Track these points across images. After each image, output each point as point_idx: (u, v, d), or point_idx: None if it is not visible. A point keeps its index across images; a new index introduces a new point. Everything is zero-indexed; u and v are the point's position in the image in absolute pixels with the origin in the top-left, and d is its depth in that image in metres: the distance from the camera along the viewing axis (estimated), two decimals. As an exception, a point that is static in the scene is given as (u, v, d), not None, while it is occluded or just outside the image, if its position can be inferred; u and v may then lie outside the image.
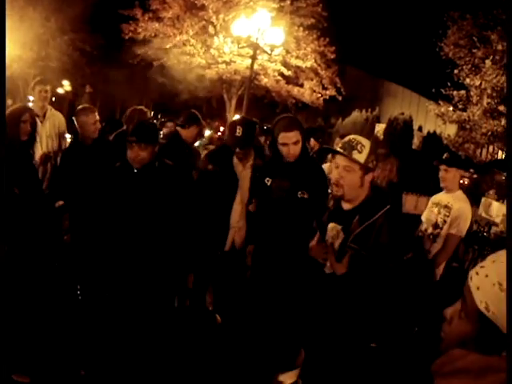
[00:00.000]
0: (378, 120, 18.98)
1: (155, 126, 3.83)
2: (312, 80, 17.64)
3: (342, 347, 2.55)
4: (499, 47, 11.21)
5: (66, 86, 15.49)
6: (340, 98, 17.79)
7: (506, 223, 0.97)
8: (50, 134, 4.94)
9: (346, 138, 2.61)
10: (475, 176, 9.83)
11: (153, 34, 15.39)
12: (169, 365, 3.25)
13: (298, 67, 17.24)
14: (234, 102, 18.34)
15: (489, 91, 11.85)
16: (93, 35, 15.25)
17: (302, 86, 17.91)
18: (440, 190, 5.94)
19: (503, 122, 11.76)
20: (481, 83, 11.97)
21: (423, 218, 4.45)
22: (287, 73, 17.18)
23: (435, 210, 4.24)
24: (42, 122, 4.72)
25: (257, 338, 3.47)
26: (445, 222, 4.13)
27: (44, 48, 13.87)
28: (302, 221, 3.31)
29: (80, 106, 4.59)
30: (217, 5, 15.29)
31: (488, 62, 11.66)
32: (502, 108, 11.74)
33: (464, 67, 12.45)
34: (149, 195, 3.34)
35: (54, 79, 14.48)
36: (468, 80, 12.41)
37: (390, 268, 2.53)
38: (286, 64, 17.09)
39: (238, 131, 3.67)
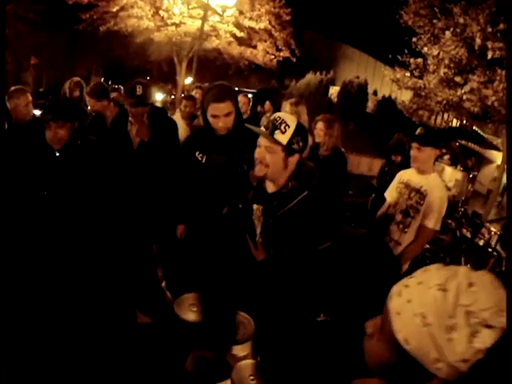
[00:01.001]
0: (332, 83, 18.89)
1: (72, 102, 3.68)
2: (266, 41, 17.21)
3: (288, 320, 2.44)
4: (461, 20, 11.22)
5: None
6: (294, 60, 17.49)
7: (506, 223, 0.84)
8: None
9: (272, 117, 2.44)
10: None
11: (98, -3, 14.34)
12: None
13: (251, 28, 16.72)
14: (184, 64, 17.67)
15: (446, 61, 11.92)
16: (35, 2, 13.97)
17: (255, 47, 17.46)
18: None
19: (459, 92, 11.99)
20: (439, 53, 11.98)
21: (388, 196, 4.00)
22: (240, 34, 16.66)
23: (404, 191, 3.77)
24: None
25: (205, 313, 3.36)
26: (417, 210, 3.66)
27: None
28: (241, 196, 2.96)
29: (12, 88, 4.34)
30: (167, -37, 14.39)
31: (448, 34, 11.65)
32: (458, 79, 11.94)
33: (423, 36, 12.39)
34: (74, 176, 3.17)
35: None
36: (426, 49, 12.40)
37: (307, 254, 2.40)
38: (238, 25, 16.54)
39: (139, 90, 3.51)
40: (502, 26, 10.42)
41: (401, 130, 6.93)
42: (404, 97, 14.63)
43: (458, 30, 11.39)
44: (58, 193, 3.17)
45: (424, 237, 3.67)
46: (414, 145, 3.59)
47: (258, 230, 2.57)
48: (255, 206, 2.56)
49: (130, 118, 3.68)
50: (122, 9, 14.98)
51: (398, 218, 3.71)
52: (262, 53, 17.52)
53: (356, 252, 2.56)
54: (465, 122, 12.65)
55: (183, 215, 3.48)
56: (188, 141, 3.48)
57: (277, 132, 2.29)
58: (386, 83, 15.96)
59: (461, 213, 7.84)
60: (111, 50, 16.72)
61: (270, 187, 2.50)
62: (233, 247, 2.90)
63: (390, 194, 3.92)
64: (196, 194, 3.28)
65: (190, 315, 2.84)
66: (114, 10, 14.79)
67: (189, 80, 18.10)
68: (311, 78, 18.52)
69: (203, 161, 3.19)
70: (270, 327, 2.52)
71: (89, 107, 4.60)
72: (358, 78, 16.86)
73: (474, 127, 12.56)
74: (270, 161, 2.34)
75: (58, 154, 3.17)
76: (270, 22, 16.56)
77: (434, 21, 11.98)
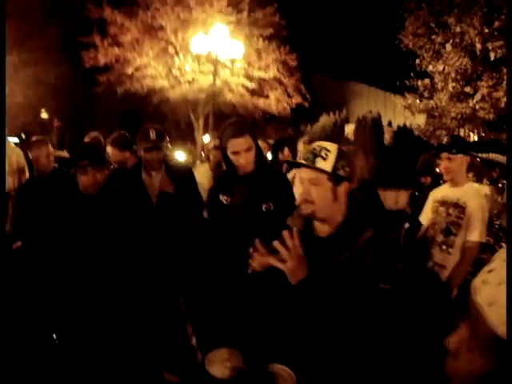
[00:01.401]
0: (346, 121, 19.16)
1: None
2: (277, 90, 17.66)
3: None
4: (457, 29, 11.48)
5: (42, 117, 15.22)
6: (307, 105, 17.88)
7: (506, 222, 0.67)
8: (8, 171, 4.56)
9: (309, 147, 2.17)
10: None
11: (113, 60, 15.22)
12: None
13: (261, 78, 17.25)
14: (201, 121, 18.23)
15: (453, 75, 12.06)
16: (55, 66, 14.96)
17: (267, 97, 17.91)
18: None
19: (471, 103, 11.98)
20: (444, 68, 12.17)
21: (423, 220, 3.74)
22: (251, 85, 17.16)
23: (442, 210, 3.52)
24: None
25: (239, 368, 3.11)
26: (459, 225, 3.40)
27: (7, 83, 13.48)
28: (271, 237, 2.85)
29: (33, 138, 4.44)
30: (174, 24, 15.25)
31: (448, 46, 11.90)
32: (467, 89, 11.97)
33: (425, 55, 12.67)
34: (109, 221, 3.18)
35: (20, 115, 14.14)
36: (431, 67, 12.63)
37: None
38: (248, 77, 17.09)
39: (152, 135, 3.37)
40: (497, 23, 10.54)
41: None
42: (418, 121, 14.62)
43: (457, 40, 11.62)
44: (91, 238, 3.16)
45: (471, 253, 3.38)
46: (444, 155, 3.43)
47: None
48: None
49: (144, 166, 3.54)
50: (137, 70, 15.73)
51: (438, 238, 3.47)
52: (274, 101, 17.95)
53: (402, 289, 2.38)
54: (482, 133, 12.44)
55: (212, 265, 3.28)
56: (213, 186, 3.37)
57: (318, 160, 2.04)
58: (398, 112, 16.09)
59: (497, 227, 7.51)
60: (129, 111, 17.49)
61: (323, 229, 2.17)
62: (269, 296, 2.66)
63: (426, 217, 3.70)
64: (223, 240, 3.11)
65: (224, 371, 2.63)
66: (129, 71, 15.56)
67: (207, 138, 18.61)
68: (325, 120, 18.83)
69: (227, 202, 3.06)
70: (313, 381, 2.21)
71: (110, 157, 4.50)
72: (370, 112, 17.04)
73: (491, 137, 12.32)
74: (317, 195, 2.06)
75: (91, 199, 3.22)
76: (278, 70, 17.11)
77: (433, 37, 12.26)
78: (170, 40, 15.66)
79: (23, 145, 5.15)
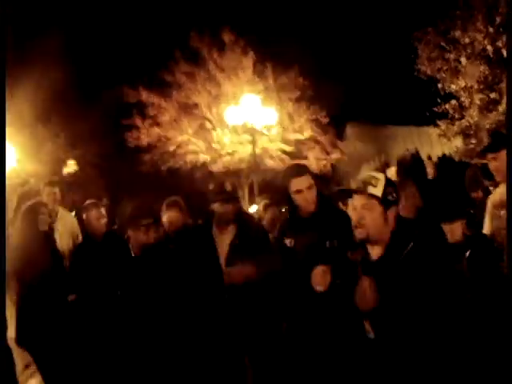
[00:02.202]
0: (387, 166, 18.94)
1: None
2: (314, 149, 18.05)
3: None
4: (466, 40, 11.76)
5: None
6: (346, 158, 18.12)
7: (506, 222, 0.72)
8: (62, 232, 4.86)
9: (360, 178, 2.44)
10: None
11: (155, 139, 16.38)
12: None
13: (297, 140, 17.77)
14: (246, 190, 18.68)
15: (476, 86, 12.12)
16: (101, 147, 16.29)
17: (306, 157, 18.24)
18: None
19: (500, 109, 11.84)
20: (466, 83, 12.28)
21: (487, 230, 3.61)
22: (289, 149, 17.63)
23: (504, 213, 3.32)
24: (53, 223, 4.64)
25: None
26: None
27: (58, 164, 14.84)
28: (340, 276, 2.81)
29: (87, 202, 4.76)
30: (207, 100, 16.38)
31: (463, 60, 12.12)
32: (493, 95, 11.91)
33: (444, 75, 12.88)
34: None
35: (71, 193, 15.22)
36: (453, 86, 12.77)
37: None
38: (285, 141, 17.64)
39: (228, 186, 3.42)
40: (498, 19, 10.69)
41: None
42: (456, 145, 14.40)
43: (469, 50, 11.77)
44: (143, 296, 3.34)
45: None
46: (489, 157, 3.40)
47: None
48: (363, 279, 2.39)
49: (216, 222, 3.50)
50: (179, 147, 16.71)
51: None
52: (314, 161, 18.18)
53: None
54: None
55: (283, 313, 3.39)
56: (278, 231, 3.50)
57: (369, 187, 2.31)
58: (435, 143, 15.88)
59: None
60: (175, 189, 18.30)
61: (375, 252, 2.40)
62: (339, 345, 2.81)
63: (489, 226, 3.60)
64: (292, 285, 3.18)
65: None
66: (171, 149, 16.60)
67: (254, 208, 18.94)
68: (365, 169, 18.72)
69: (291, 245, 3.20)
70: None
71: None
72: (407, 150, 16.82)
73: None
74: (370, 218, 2.31)
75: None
76: (312, 130, 17.69)
77: (446, 56, 12.49)
78: (206, 116, 16.70)
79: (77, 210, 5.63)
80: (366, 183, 2.28)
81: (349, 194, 2.41)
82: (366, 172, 2.39)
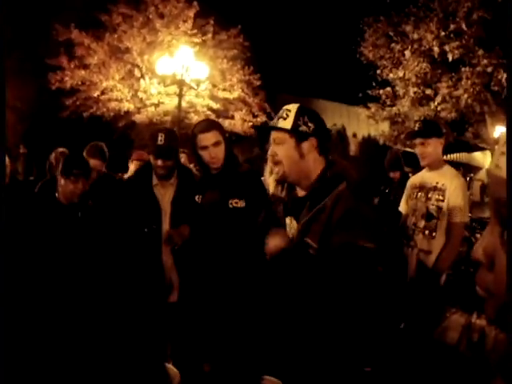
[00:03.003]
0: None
1: None
2: (241, 110, 17.85)
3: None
4: (415, 36, 12.26)
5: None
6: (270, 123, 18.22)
7: (506, 222, 0.66)
8: None
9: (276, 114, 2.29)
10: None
11: (80, 83, 15.17)
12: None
13: (226, 99, 17.44)
14: (168, 143, 18.14)
15: (413, 80, 12.76)
16: (22, 89, 14.72)
17: (232, 117, 18.08)
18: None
19: (432, 105, 12.66)
20: (404, 74, 12.87)
21: (403, 209, 3.73)
22: (216, 106, 17.30)
23: (421, 195, 3.50)
24: None
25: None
26: (440, 208, 3.37)
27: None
28: (238, 234, 2.89)
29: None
30: (141, 46, 15.43)
31: (407, 53, 12.64)
32: (428, 92, 12.67)
33: (385, 63, 13.38)
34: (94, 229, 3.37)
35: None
36: (391, 75, 13.33)
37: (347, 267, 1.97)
38: (213, 98, 17.26)
39: (161, 139, 3.21)
40: (452, 26, 11.32)
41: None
42: (382, 128, 15.24)
43: (416, 46, 12.37)
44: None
45: (456, 235, 3.37)
46: (418, 141, 3.46)
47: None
48: (288, 220, 2.25)
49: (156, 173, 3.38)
50: (103, 93, 15.71)
51: (420, 224, 3.45)
52: (239, 122, 18.06)
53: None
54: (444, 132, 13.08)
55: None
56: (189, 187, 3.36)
57: (280, 121, 2.16)
58: (362, 123, 16.67)
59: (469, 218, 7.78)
60: (95, 137, 17.24)
61: (301, 193, 2.23)
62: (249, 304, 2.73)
63: (404, 205, 3.69)
64: (196, 239, 3.15)
65: None
66: (95, 94, 15.52)
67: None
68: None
69: (199, 201, 3.14)
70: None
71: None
72: (335, 125, 17.59)
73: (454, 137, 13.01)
74: (282, 153, 2.13)
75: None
76: (242, 90, 17.43)
77: (392, 45, 12.99)
78: (136, 62, 15.79)
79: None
80: (278, 117, 2.16)
81: (264, 130, 2.34)
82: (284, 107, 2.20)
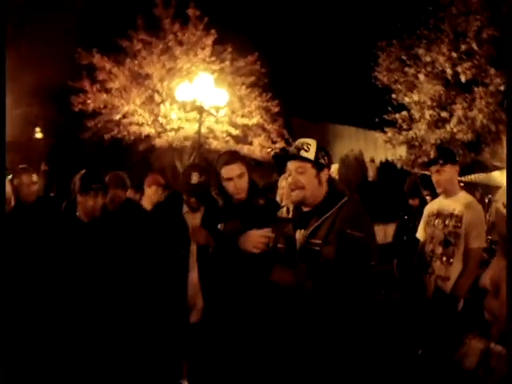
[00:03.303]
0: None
1: None
2: (260, 136, 17.98)
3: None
4: (428, 59, 12.32)
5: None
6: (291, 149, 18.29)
7: (506, 224, 0.75)
8: None
9: (292, 145, 2.65)
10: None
11: (102, 106, 15.58)
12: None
13: (245, 125, 17.60)
14: (187, 169, 18.34)
15: (428, 103, 12.75)
16: (45, 109, 15.25)
17: (251, 143, 18.20)
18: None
19: (448, 127, 12.56)
20: (419, 97, 12.87)
21: (420, 236, 3.79)
22: (235, 132, 17.47)
23: (438, 222, 3.55)
24: None
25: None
26: (457, 235, 3.39)
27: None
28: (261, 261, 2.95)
29: (20, 166, 4.55)
30: (161, 72, 15.79)
31: (421, 76, 12.68)
32: (444, 114, 12.60)
33: (400, 87, 13.42)
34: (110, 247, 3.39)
35: (10, 155, 14.13)
36: (407, 99, 13.35)
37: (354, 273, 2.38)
38: (232, 124, 17.44)
39: (195, 178, 3.31)
40: (463, 47, 11.33)
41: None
42: (400, 153, 15.14)
43: (429, 69, 12.41)
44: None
45: (473, 260, 3.39)
46: (433, 169, 3.52)
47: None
48: (298, 234, 2.61)
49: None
50: (124, 117, 16.04)
51: (438, 251, 3.50)
52: (258, 148, 18.15)
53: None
54: (461, 153, 12.95)
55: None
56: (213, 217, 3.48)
57: (302, 152, 2.52)
58: (379, 147, 16.60)
59: (489, 241, 7.63)
60: (116, 159, 17.65)
61: (306, 208, 2.62)
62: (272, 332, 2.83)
63: (422, 232, 3.76)
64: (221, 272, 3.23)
65: None
66: (117, 117, 15.86)
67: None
68: (308, 162, 19.05)
69: (222, 229, 3.25)
70: None
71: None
72: (352, 150, 17.57)
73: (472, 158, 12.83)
74: (305, 181, 2.50)
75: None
76: (261, 117, 17.60)
77: (406, 69, 13.05)
78: (156, 88, 16.11)
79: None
80: (299, 148, 2.49)
81: (285, 159, 2.63)
82: (299, 140, 2.57)
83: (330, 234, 2.43)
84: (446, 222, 3.46)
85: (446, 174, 3.46)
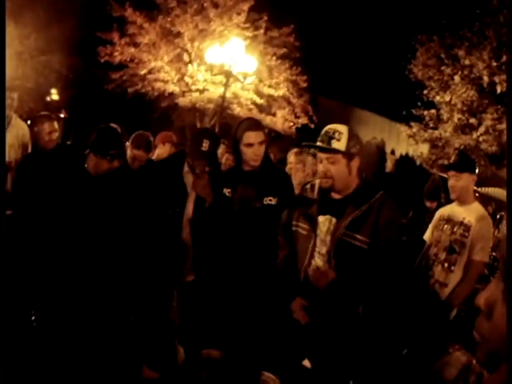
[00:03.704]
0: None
1: None
2: (284, 109, 17.81)
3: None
4: (467, 62, 11.87)
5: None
6: (312, 127, 18.06)
7: (506, 226, 0.76)
8: (12, 143, 4.53)
9: (323, 130, 2.56)
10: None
11: (128, 59, 15.46)
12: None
13: (270, 96, 17.42)
14: (207, 131, 18.28)
15: (459, 106, 12.39)
16: (70, 57, 15.18)
17: (274, 115, 18.03)
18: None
19: (474, 135, 12.25)
20: (451, 99, 12.49)
21: (427, 238, 3.76)
22: (260, 101, 17.31)
23: (447, 227, 3.53)
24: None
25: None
26: (462, 244, 3.39)
27: (22, 67, 13.66)
28: (272, 230, 3.02)
29: (39, 113, 4.53)
30: (192, 33, 15.55)
31: (457, 78, 12.26)
32: (472, 121, 12.25)
33: (433, 84, 13.02)
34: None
35: (29, 100, 14.22)
36: (438, 98, 12.97)
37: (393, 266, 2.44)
38: (258, 93, 17.26)
39: (205, 145, 3.30)
40: (504, 58, 10.87)
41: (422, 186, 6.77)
42: (421, 150, 14.87)
43: (466, 72, 12.00)
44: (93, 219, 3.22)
45: (473, 273, 3.39)
46: (451, 173, 3.50)
47: (324, 249, 2.55)
48: (322, 219, 2.57)
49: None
50: (150, 72, 15.93)
51: (441, 256, 3.50)
52: (281, 120, 18.03)
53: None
54: (483, 164, 12.65)
55: (208, 259, 3.36)
56: (218, 180, 3.45)
57: (333, 141, 2.45)
58: (402, 141, 16.31)
59: (492, 257, 7.49)
60: (137, 114, 17.65)
61: (337, 196, 2.58)
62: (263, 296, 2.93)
63: (430, 234, 3.74)
64: (223, 234, 3.24)
65: None
66: (143, 72, 15.74)
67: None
68: (329, 142, 18.89)
69: (230, 195, 3.25)
70: None
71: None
72: (375, 138, 17.28)
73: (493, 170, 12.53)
74: (335, 171, 2.47)
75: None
76: (288, 90, 17.34)
77: (442, 68, 12.61)
78: (186, 47, 15.94)
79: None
80: (330, 137, 2.45)
81: (314, 148, 2.66)
82: (330, 126, 2.53)
83: (374, 234, 2.43)
84: (455, 229, 3.46)
85: (463, 182, 3.46)
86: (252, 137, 3.12)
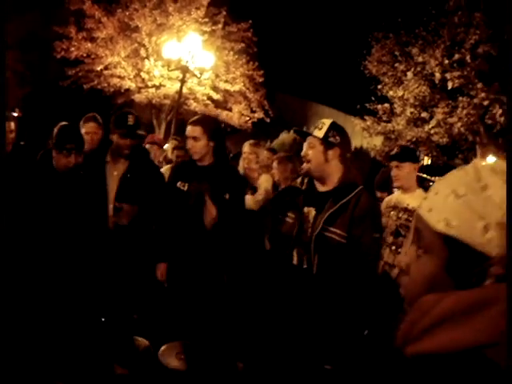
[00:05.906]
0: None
1: None
2: (241, 103, 17.95)
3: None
4: (420, 59, 12.54)
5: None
6: (268, 121, 18.39)
7: (506, 226, 0.82)
8: None
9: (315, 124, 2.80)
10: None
11: (85, 55, 15.16)
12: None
13: (226, 91, 17.53)
14: (163, 127, 18.19)
15: (411, 101, 13.06)
16: (26, 54, 14.63)
17: (230, 109, 18.15)
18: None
19: (426, 128, 12.99)
20: (403, 94, 13.16)
21: None
22: (216, 96, 17.37)
23: (393, 214, 3.76)
24: None
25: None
26: (408, 228, 3.58)
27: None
28: (228, 223, 3.23)
29: None
30: (150, 27, 15.45)
31: (410, 74, 12.91)
32: (424, 115, 12.99)
33: (387, 80, 13.65)
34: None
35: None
36: (391, 93, 13.60)
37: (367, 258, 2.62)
38: (215, 88, 17.32)
39: (130, 120, 3.36)
40: (457, 56, 11.59)
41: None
42: (375, 143, 15.55)
43: (419, 69, 12.65)
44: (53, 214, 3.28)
45: None
46: (393, 164, 3.73)
47: (305, 241, 2.70)
48: (306, 210, 2.74)
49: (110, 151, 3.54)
50: (106, 68, 15.76)
51: (389, 240, 3.70)
52: (237, 115, 18.15)
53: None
54: (435, 155, 13.45)
55: (164, 252, 3.43)
56: (171, 173, 3.61)
57: (315, 130, 2.70)
58: (356, 133, 16.89)
59: None
60: (93, 111, 17.21)
61: (321, 188, 2.75)
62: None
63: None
64: (178, 227, 3.33)
65: (178, 363, 3.07)
66: (99, 68, 15.54)
67: (167, 145, 18.60)
68: (285, 136, 19.41)
69: (185, 189, 3.33)
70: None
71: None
72: (328, 131, 17.72)
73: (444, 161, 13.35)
74: (311, 155, 2.67)
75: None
76: (244, 85, 17.52)
77: (396, 64, 13.24)
78: (143, 42, 15.81)
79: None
80: (315, 127, 2.73)
81: (303, 134, 2.84)
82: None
83: (350, 228, 2.57)
84: (400, 215, 3.68)
85: (405, 170, 3.68)
86: (188, 130, 3.26)
